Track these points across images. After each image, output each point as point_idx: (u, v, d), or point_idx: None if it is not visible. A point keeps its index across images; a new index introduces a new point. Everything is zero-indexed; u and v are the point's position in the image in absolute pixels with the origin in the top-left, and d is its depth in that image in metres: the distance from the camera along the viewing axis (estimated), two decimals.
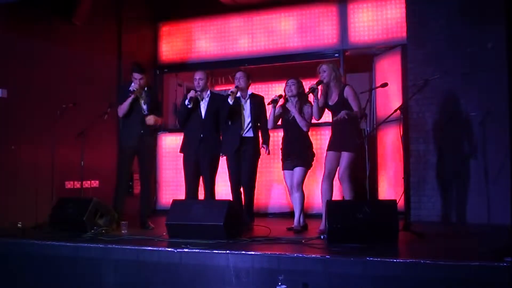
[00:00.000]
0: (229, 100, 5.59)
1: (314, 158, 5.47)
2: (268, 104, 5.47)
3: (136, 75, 5.73)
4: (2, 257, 4.78)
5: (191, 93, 5.69)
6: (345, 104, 5.13)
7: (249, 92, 5.78)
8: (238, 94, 5.70)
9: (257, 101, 5.76)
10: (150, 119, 5.75)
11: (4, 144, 5.84)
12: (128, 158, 5.81)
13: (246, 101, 5.72)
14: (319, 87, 5.24)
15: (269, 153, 5.69)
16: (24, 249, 4.73)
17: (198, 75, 5.79)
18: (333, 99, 5.25)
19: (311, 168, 5.47)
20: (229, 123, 5.71)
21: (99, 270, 4.36)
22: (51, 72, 6.37)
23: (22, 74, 6.06)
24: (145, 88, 5.80)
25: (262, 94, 6.03)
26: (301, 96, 5.45)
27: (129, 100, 5.68)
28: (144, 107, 5.78)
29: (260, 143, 5.70)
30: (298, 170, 5.35)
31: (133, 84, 5.71)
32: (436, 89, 6.03)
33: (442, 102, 6.12)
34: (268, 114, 5.57)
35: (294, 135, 5.43)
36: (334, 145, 5.19)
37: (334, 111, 5.24)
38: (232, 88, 5.69)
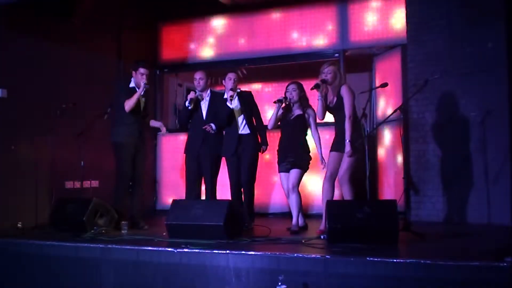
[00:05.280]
0: (229, 105, 5.60)
1: (310, 162, 5.42)
2: (274, 102, 5.43)
3: (144, 70, 5.67)
4: (2, 257, 4.78)
5: (191, 95, 5.70)
6: (343, 104, 5.02)
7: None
8: (225, 95, 5.71)
9: (245, 97, 5.75)
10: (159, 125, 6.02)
11: (4, 144, 5.84)
12: (130, 156, 5.71)
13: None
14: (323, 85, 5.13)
15: (262, 152, 5.75)
16: (24, 249, 4.73)
17: (199, 75, 5.81)
18: (332, 100, 5.16)
19: (307, 171, 5.41)
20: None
21: (99, 270, 4.36)
22: (51, 72, 6.36)
23: (22, 74, 6.05)
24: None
25: (248, 90, 6.02)
26: (303, 100, 5.43)
27: (138, 95, 5.59)
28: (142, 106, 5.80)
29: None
30: (294, 172, 5.30)
31: (142, 82, 5.60)
32: (436, 89, 6.04)
33: (442, 102, 6.12)
34: (271, 114, 5.49)
35: (292, 138, 5.40)
36: (338, 146, 5.10)
37: (334, 113, 5.17)
38: (230, 92, 5.63)
